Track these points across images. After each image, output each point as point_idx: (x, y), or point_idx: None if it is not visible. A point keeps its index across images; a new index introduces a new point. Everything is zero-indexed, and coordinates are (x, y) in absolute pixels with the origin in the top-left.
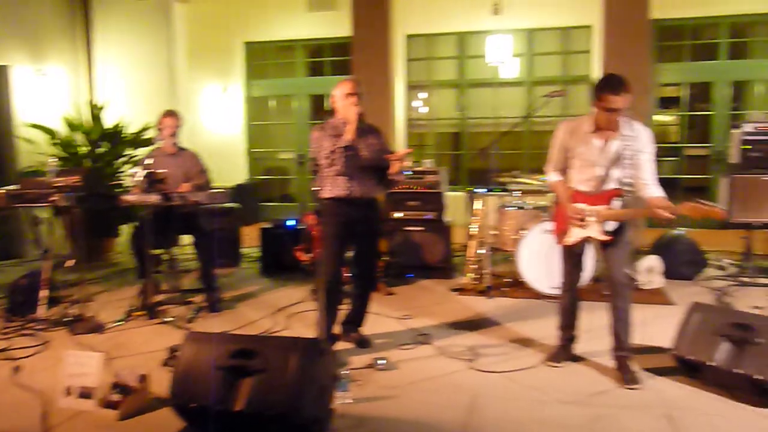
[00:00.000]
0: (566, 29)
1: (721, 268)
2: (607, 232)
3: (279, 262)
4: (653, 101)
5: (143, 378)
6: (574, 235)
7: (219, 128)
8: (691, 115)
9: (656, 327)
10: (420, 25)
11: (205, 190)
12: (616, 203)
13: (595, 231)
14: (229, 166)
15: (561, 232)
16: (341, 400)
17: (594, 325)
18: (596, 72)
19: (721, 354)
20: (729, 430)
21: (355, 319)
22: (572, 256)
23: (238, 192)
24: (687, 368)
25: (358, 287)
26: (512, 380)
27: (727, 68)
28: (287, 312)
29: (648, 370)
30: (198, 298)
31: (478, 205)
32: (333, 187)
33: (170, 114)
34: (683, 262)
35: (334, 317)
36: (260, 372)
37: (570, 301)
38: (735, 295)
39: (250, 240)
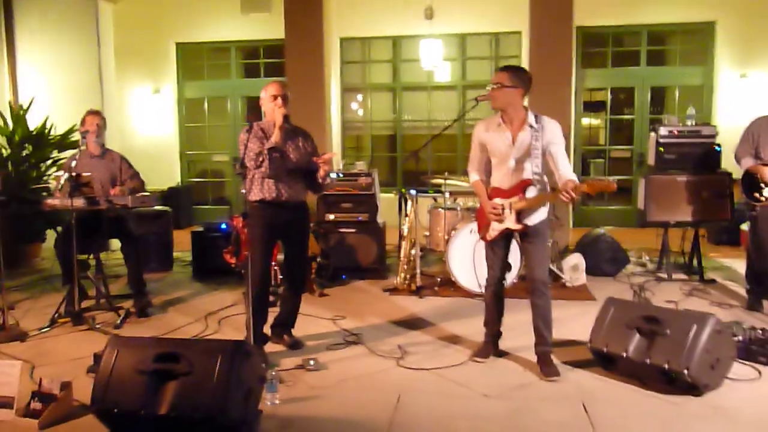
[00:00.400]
0: (497, 35)
1: (641, 264)
2: (525, 227)
3: (211, 266)
4: (579, 105)
5: (66, 385)
6: (494, 229)
7: (151, 130)
8: (616, 119)
9: (578, 322)
10: (354, 29)
11: (140, 193)
12: (530, 193)
13: (511, 222)
14: (162, 168)
15: (483, 229)
16: (269, 402)
17: (520, 321)
18: None
19: (633, 346)
20: (640, 416)
21: (285, 322)
22: (495, 252)
23: (171, 195)
24: (602, 360)
25: (288, 290)
26: (439, 376)
27: (647, 74)
28: (218, 316)
29: (567, 362)
30: (127, 304)
31: (409, 206)
32: (260, 190)
33: (93, 113)
34: (605, 260)
35: (264, 319)
36: (185, 375)
37: (494, 297)
38: (653, 291)
39: (183, 244)
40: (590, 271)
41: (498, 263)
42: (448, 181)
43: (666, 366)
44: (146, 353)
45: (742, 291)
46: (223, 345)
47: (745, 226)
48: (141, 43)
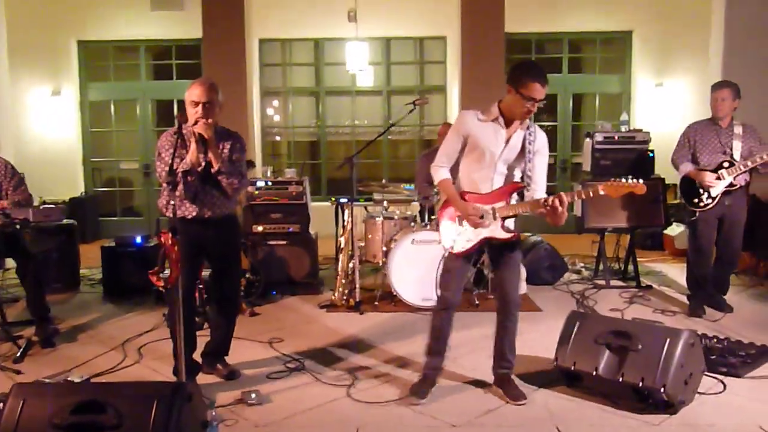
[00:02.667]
0: (422, 39)
1: (576, 272)
2: (516, 235)
3: (124, 285)
4: None
5: None
6: (469, 240)
7: (50, 135)
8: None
9: (529, 335)
10: (274, 30)
11: (25, 207)
12: (514, 199)
13: (496, 231)
14: (63, 177)
15: (450, 239)
16: None
17: (468, 337)
18: (450, 82)
19: (603, 363)
20: None
21: (218, 349)
22: (461, 269)
23: (75, 206)
24: (569, 379)
25: (218, 313)
26: (398, 406)
27: (568, 81)
28: (137, 343)
29: (528, 381)
30: (27, 332)
31: (346, 216)
32: (180, 206)
33: None
34: (544, 268)
35: (192, 346)
36: (112, 429)
37: (446, 324)
38: (594, 299)
39: (90, 260)
40: (529, 279)
41: (460, 283)
42: (385, 189)
43: (640, 383)
44: (61, 402)
45: (679, 296)
46: (159, 388)
47: (669, 231)
48: (37, 41)
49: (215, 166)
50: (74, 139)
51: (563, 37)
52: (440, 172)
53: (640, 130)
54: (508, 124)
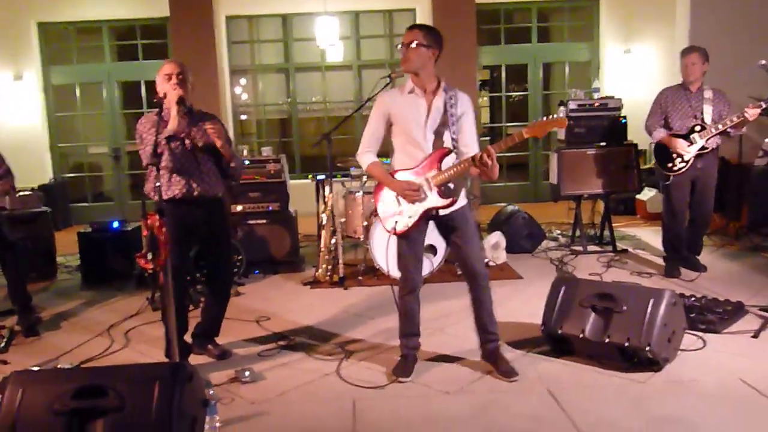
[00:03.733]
0: (390, 12)
1: (553, 239)
2: (454, 202)
3: (103, 271)
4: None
5: None
6: (409, 216)
7: (13, 121)
8: (508, 96)
9: (514, 302)
10: (241, 6)
11: (5, 196)
12: (446, 164)
13: (435, 200)
14: (29, 163)
15: (390, 220)
16: (209, 426)
17: (452, 308)
18: None
19: (589, 325)
20: (609, 399)
21: (209, 330)
22: (412, 247)
23: (44, 193)
24: (557, 343)
25: (209, 294)
26: (390, 377)
27: (538, 50)
28: (122, 328)
29: (515, 347)
30: (9, 322)
31: (327, 193)
32: (167, 186)
33: None
34: (523, 236)
35: (184, 328)
36: (115, 411)
37: (414, 305)
38: (573, 265)
39: (64, 247)
40: (508, 248)
41: (417, 262)
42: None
43: (626, 343)
44: (61, 388)
45: (654, 259)
46: (159, 369)
47: (641, 196)
48: None
49: (225, 154)
50: (39, 125)
51: (531, 7)
52: (366, 157)
53: (612, 97)
54: (424, 92)
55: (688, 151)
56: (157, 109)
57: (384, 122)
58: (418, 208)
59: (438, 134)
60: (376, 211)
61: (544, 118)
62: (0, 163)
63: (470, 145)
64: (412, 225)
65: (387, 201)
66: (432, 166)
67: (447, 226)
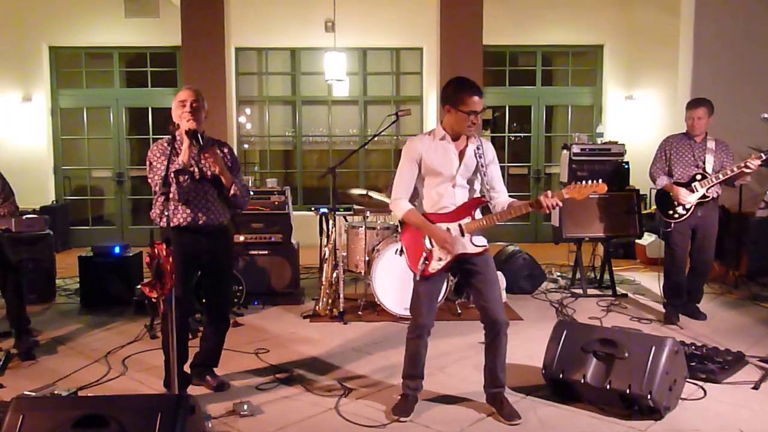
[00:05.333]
0: (398, 50)
1: (553, 281)
2: (486, 249)
3: (102, 296)
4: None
5: None
6: (439, 260)
7: (20, 142)
8: (498, 136)
9: (511, 343)
10: (250, 39)
11: (11, 218)
12: (479, 213)
13: (468, 246)
14: (33, 185)
15: (418, 262)
16: None
17: (452, 347)
18: (427, 93)
19: (591, 371)
20: None
21: (207, 361)
22: (433, 291)
23: (45, 214)
24: (557, 387)
25: (209, 324)
26: (390, 416)
27: (542, 93)
28: (120, 354)
29: (515, 389)
30: (6, 344)
31: (329, 225)
32: (174, 214)
33: None
34: (522, 277)
35: (184, 357)
36: None
37: (422, 348)
38: (573, 308)
39: (63, 270)
40: (508, 288)
41: (432, 305)
42: (369, 199)
43: (627, 390)
44: (63, 417)
45: (653, 305)
46: (161, 401)
47: (641, 241)
48: (7, 46)
49: (226, 182)
50: (45, 147)
51: (536, 50)
52: (401, 204)
53: (616, 142)
54: (454, 140)
55: (689, 200)
56: (169, 137)
57: (416, 168)
58: (449, 254)
59: (469, 182)
60: (401, 250)
61: (587, 183)
62: (3, 184)
63: (501, 191)
64: (441, 268)
65: (417, 242)
66: (466, 213)
67: (469, 269)
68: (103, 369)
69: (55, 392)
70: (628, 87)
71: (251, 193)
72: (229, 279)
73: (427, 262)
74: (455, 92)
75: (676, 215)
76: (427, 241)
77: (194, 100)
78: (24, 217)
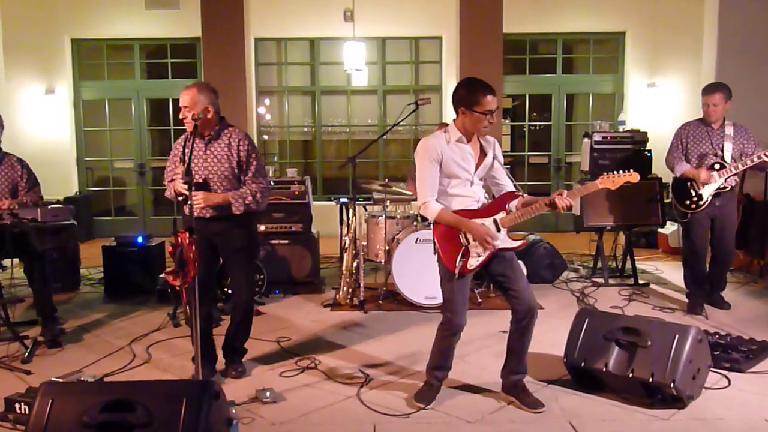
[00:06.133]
0: (417, 39)
1: (574, 270)
2: (525, 243)
3: (125, 285)
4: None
5: None
6: (478, 256)
7: (43, 133)
8: (518, 125)
9: (534, 332)
10: (269, 29)
11: (37, 207)
12: (513, 206)
13: (506, 242)
14: (56, 176)
15: (455, 260)
16: None
17: (473, 336)
18: (446, 82)
19: (613, 359)
20: None
21: (225, 349)
22: (465, 287)
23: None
24: (579, 375)
25: (231, 312)
26: (411, 402)
27: (562, 82)
28: (144, 342)
29: (536, 378)
30: (33, 332)
31: (349, 215)
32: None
33: None
34: (544, 266)
35: (210, 345)
36: (143, 427)
37: (455, 343)
38: (594, 297)
39: (87, 260)
40: (529, 277)
41: (465, 301)
42: (388, 189)
43: (650, 379)
44: (91, 401)
45: (676, 294)
46: (187, 387)
47: (663, 230)
48: (31, 38)
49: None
50: (68, 138)
51: (557, 38)
52: (432, 206)
53: (638, 130)
54: (468, 141)
55: (711, 180)
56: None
57: (437, 167)
58: (488, 250)
59: (482, 179)
60: (435, 249)
61: (619, 173)
62: (29, 174)
63: (507, 184)
64: (479, 264)
65: (451, 239)
66: (501, 207)
67: (496, 261)
68: (127, 356)
69: (82, 379)
70: (650, 74)
71: (271, 185)
72: (244, 264)
73: (464, 258)
74: (469, 94)
75: (693, 205)
76: (463, 238)
77: (186, 105)
78: (49, 206)
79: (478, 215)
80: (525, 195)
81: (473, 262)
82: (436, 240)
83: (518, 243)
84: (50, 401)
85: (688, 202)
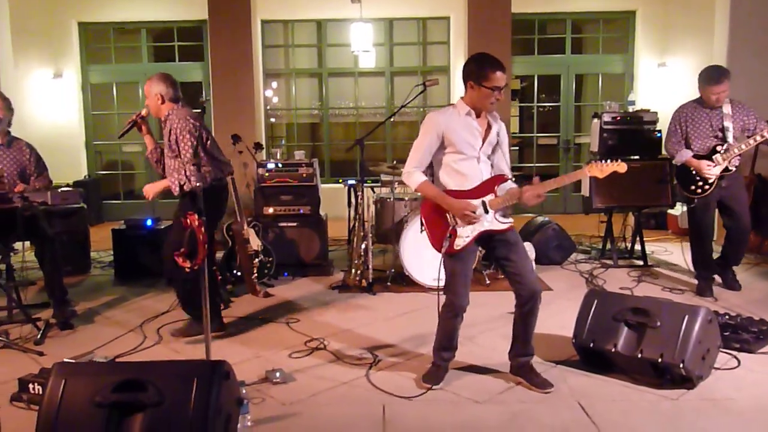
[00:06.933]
0: (424, 20)
1: (586, 251)
2: (511, 227)
3: (135, 268)
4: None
5: None
6: (463, 237)
7: (51, 117)
8: (526, 106)
9: (542, 313)
10: (276, 11)
11: (47, 191)
12: (501, 190)
13: (494, 224)
14: (65, 160)
15: (441, 239)
16: (240, 425)
17: (481, 317)
18: (454, 63)
19: (622, 340)
20: (641, 414)
21: None
22: (465, 266)
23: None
24: (588, 356)
25: None
26: (420, 383)
27: (571, 62)
28: (154, 324)
29: (545, 359)
30: (45, 314)
31: (358, 197)
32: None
33: None
34: (552, 248)
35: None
36: (154, 406)
37: (459, 325)
38: (603, 278)
39: (96, 243)
40: (537, 259)
41: (466, 282)
42: (395, 171)
43: (659, 359)
44: (103, 381)
45: (685, 276)
46: (197, 367)
47: (673, 211)
48: (38, 23)
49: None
50: (76, 122)
51: (566, 18)
52: (416, 176)
53: (648, 111)
54: (477, 116)
55: (713, 173)
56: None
57: (437, 142)
58: (475, 228)
59: (489, 158)
60: (422, 227)
61: (607, 162)
62: (38, 159)
63: (501, 168)
64: (465, 245)
65: (438, 217)
66: (489, 190)
67: (498, 243)
68: (138, 338)
69: (94, 359)
70: (661, 54)
71: (278, 165)
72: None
73: (451, 238)
74: (478, 68)
75: (699, 190)
76: (450, 218)
77: (148, 91)
78: (59, 190)
79: (466, 196)
80: (513, 181)
81: (460, 242)
82: (423, 219)
83: (506, 225)
84: (63, 381)
85: (693, 188)
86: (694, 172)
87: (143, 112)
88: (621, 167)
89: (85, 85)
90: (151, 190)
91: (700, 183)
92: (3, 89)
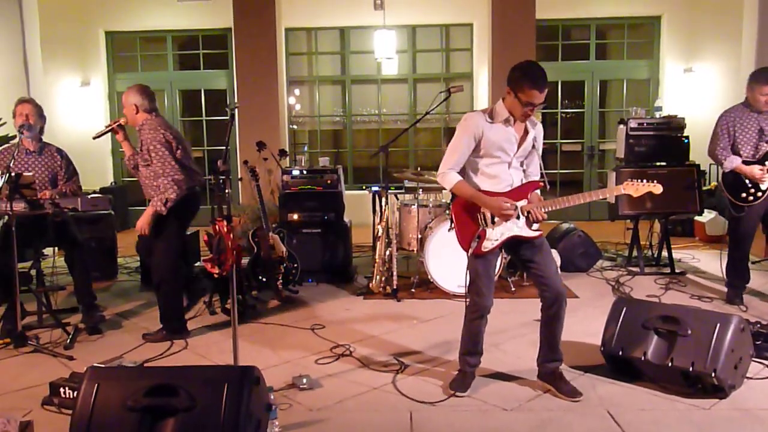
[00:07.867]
0: (447, 26)
1: (613, 258)
2: (540, 234)
3: None
4: None
5: (26, 426)
6: (492, 239)
7: (79, 125)
8: (548, 112)
9: (569, 321)
10: (300, 18)
11: (77, 197)
12: (534, 197)
13: (524, 230)
14: (91, 167)
15: (470, 240)
16: (271, 430)
17: (507, 324)
18: (477, 69)
19: (652, 348)
20: (672, 423)
21: None
22: (489, 269)
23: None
24: (616, 364)
25: None
26: (446, 390)
27: (596, 68)
28: None
29: (574, 367)
30: (74, 319)
31: (382, 204)
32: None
33: (26, 102)
34: (578, 255)
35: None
36: (186, 411)
37: (482, 328)
38: (630, 285)
39: (123, 249)
40: (562, 266)
41: (490, 284)
42: (419, 177)
43: (690, 368)
44: (135, 386)
45: (713, 283)
46: (228, 372)
47: (700, 218)
48: (67, 32)
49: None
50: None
51: (590, 23)
52: (451, 176)
53: (675, 116)
54: (514, 122)
55: (765, 179)
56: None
57: (473, 145)
58: (505, 233)
59: (522, 163)
60: (452, 224)
61: (643, 182)
62: (68, 164)
63: (534, 174)
64: (494, 247)
65: (468, 218)
66: (523, 195)
67: (524, 246)
68: (165, 343)
69: (123, 364)
70: (687, 59)
71: (303, 172)
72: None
73: (479, 239)
74: (519, 78)
75: (751, 197)
76: (481, 220)
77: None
78: (89, 196)
79: (501, 197)
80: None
81: (488, 245)
82: (453, 216)
83: (536, 233)
84: (96, 385)
85: (744, 195)
86: (746, 180)
87: (121, 120)
88: (657, 188)
89: (111, 93)
90: (144, 223)
91: (752, 190)
92: (33, 97)
